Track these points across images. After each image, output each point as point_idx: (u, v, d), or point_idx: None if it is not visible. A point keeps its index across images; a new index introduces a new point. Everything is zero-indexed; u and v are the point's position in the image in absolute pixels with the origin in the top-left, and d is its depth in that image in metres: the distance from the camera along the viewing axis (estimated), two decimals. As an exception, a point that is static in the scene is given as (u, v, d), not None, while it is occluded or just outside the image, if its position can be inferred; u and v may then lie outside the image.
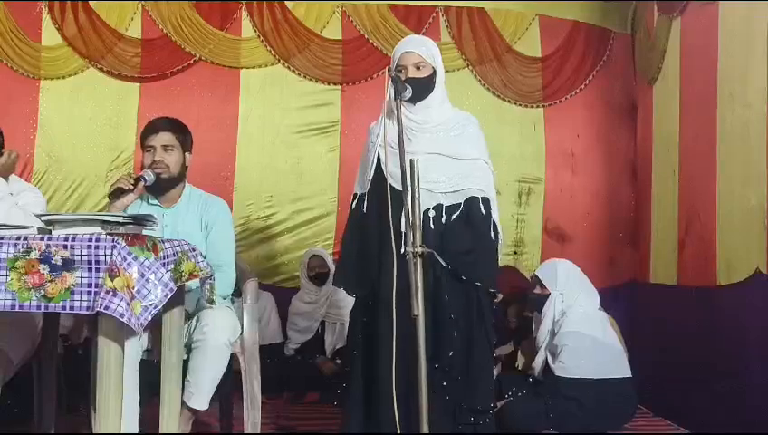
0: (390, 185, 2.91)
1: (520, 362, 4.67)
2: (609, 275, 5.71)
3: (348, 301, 5.09)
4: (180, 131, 3.46)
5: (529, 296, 4.60)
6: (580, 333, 4.25)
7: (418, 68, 3.17)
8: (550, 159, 5.94)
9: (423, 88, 3.16)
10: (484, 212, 3.16)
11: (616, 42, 5.96)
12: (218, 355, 3.18)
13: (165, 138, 3.39)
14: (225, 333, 3.21)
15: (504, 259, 5.76)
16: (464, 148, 3.20)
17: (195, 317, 3.27)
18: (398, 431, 2.73)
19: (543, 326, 4.40)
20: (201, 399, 3.15)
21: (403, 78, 3.07)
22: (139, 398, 3.07)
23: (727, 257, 4.14)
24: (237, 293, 3.58)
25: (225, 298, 3.39)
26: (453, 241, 3.12)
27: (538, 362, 4.40)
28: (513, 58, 5.89)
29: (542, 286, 4.48)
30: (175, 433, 2.86)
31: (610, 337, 4.39)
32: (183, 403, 3.08)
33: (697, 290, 4.49)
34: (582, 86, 5.93)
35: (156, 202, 3.45)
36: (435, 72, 3.20)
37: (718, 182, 4.25)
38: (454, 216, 3.15)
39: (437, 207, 3.14)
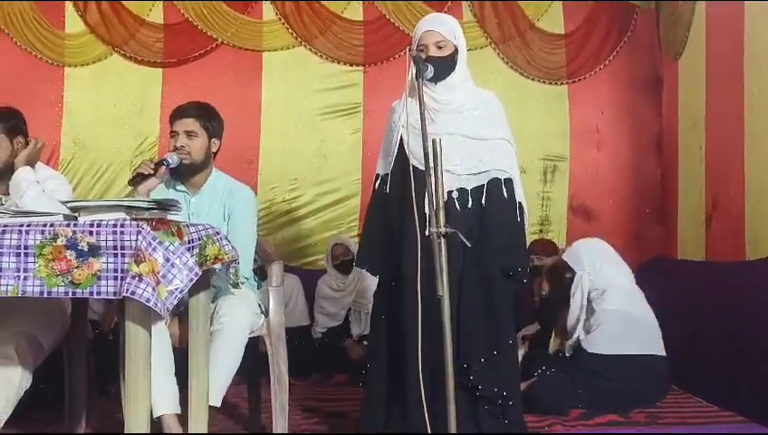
0: (413, 165, 2.90)
1: (554, 343, 4.63)
2: (636, 251, 5.66)
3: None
4: (206, 117, 3.43)
5: (563, 283, 4.58)
6: (620, 311, 4.23)
7: (440, 47, 3.13)
8: (574, 136, 5.89)
9: (445, 67, 3.12)
10: (506, 195, 3.12)
11: (640, 16, 5.87)
12: (235, 348, 3.10)
13: (188, 123, 3.38)
14: (243, 324, 3.15)
15: (529, 238, 5.73)
16: (486, 128, 3.16)
17: (214, 304, 3.20)
18: (428, 429, 2.66)
19: (573, 307, 4.38)
20: (215, 394, 2.97)
21: (424, 57, 3.05)
22: (175, 380, 3.03)
23: (755, 232, 4.10)
24: (263, 276, 3.59)
25: (243, 283, 3.32)
26: (478, 227, 3.10)
27: (571, 344, 4.38)
28: (535, 35, 5.83)
29: (571, 269, 4.47)
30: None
31: (649, 314, 4.36)
32: None
33: (725, 265, 4.45)
34: (606, 62, 5.86)
35: (183, 188, 3.45)
36: (456, 50, 3.16)
37: (745, 156, 4.19)
38: (477, 200, 3.13)
39: (461, 190, 3.11)
